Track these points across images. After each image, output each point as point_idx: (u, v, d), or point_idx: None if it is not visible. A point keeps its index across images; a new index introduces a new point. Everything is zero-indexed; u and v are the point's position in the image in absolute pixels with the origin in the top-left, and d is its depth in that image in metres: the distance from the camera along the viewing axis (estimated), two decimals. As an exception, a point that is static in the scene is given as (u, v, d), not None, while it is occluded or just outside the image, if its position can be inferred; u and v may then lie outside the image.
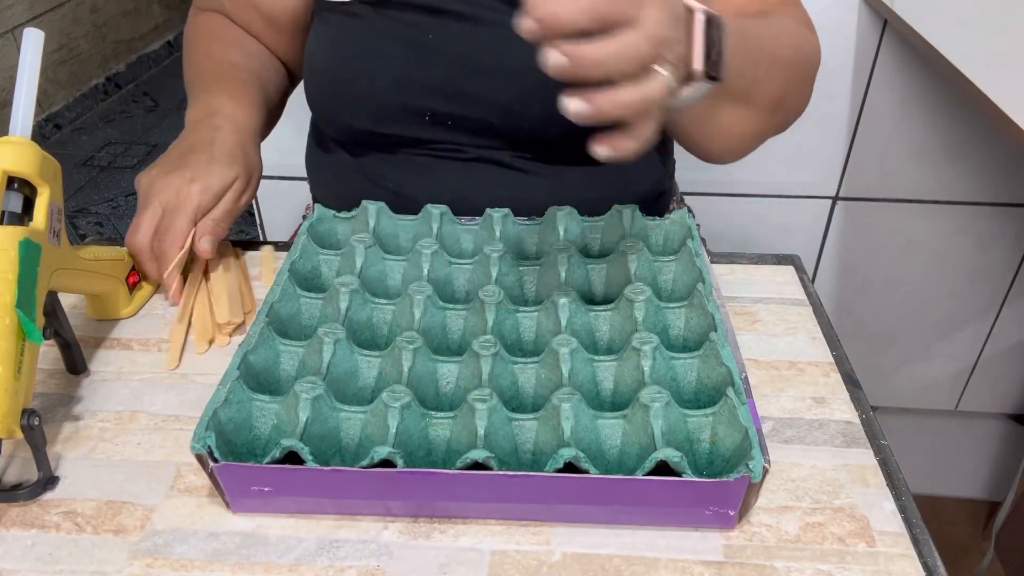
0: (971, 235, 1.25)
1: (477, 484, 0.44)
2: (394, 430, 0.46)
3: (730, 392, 0.47)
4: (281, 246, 0.72)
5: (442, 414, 0.49)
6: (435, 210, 0.64)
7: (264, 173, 0.74)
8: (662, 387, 0.47)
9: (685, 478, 0.44)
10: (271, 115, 0.78)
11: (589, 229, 0.64)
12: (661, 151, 0.82)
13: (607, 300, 0.58)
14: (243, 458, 0.47)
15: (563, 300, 0.54)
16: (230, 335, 0.62)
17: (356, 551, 0.46)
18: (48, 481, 0.50)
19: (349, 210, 0.66)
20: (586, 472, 0.44)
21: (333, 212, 0.66)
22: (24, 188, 0.51)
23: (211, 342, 0.61)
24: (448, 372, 0.52)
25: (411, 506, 0.47)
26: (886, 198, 1.24)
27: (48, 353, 0.59)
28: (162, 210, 0.62)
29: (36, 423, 0.48)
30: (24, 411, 0.47)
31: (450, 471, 0.44)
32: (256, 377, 0.51)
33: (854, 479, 0.49)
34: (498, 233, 0.63)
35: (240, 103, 0.71)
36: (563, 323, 0.53)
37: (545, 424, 0.47)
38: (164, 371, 0.59)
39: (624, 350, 0.51)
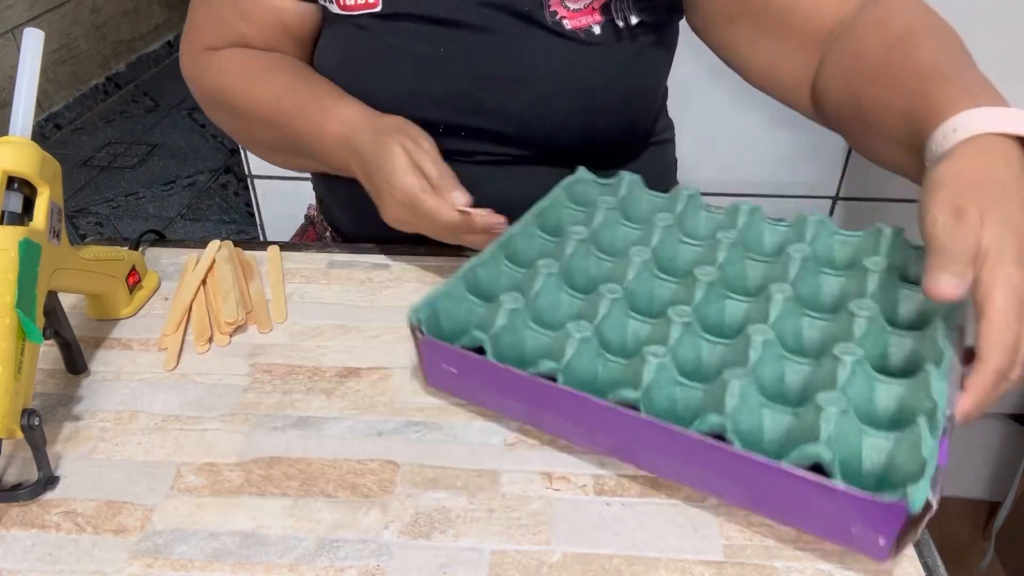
0: (971, 235, 1.25)
1: (640, 428, 0.46)
2: (568, 357, 0.49)
3: (921, 421, 0.42)
4: (282, 246, 0.72)
5: (614, 357, 0.51)
6: (685, 192, 0.65)
7: (264, 173, 0.74)
8: (847, 398, 0.44)
9: (828, 481, 0.41)
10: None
11: (840, 241, 0.60)
12: (668, 149, 0.83)
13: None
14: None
15: (778, 296, 0.52)
16: (231, 335, 0.62)
17: (356, 551, 0.46)
18: (48, 481, 0.50)
19: (359, 216, 0.66)
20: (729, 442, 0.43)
21: (593, 177, 0.69)
22: (24, 188, 0.51)
23: (210, 340, 0.61)
24: (638, 329, 0.54)
25: (572, 430, 0.50)
26: (886, 198, 1.24)
27: (48, 353, 0.59)
28: (428, 185, 0.60)
29: (36, 423, 0.48)
30: (24, 411, 0.47)
31: (608, 405, 0.46)
32: (477, 284, 0.57)
33: (854, 479, 0.49)
34: (740, 223, 0.62)
35: (328, 86, 0.70)
36: (771, 317, 0.51)
37: (708, 395, 0.48)
38: (164, 371, 0.59)
39: (824, 356, 0.48)
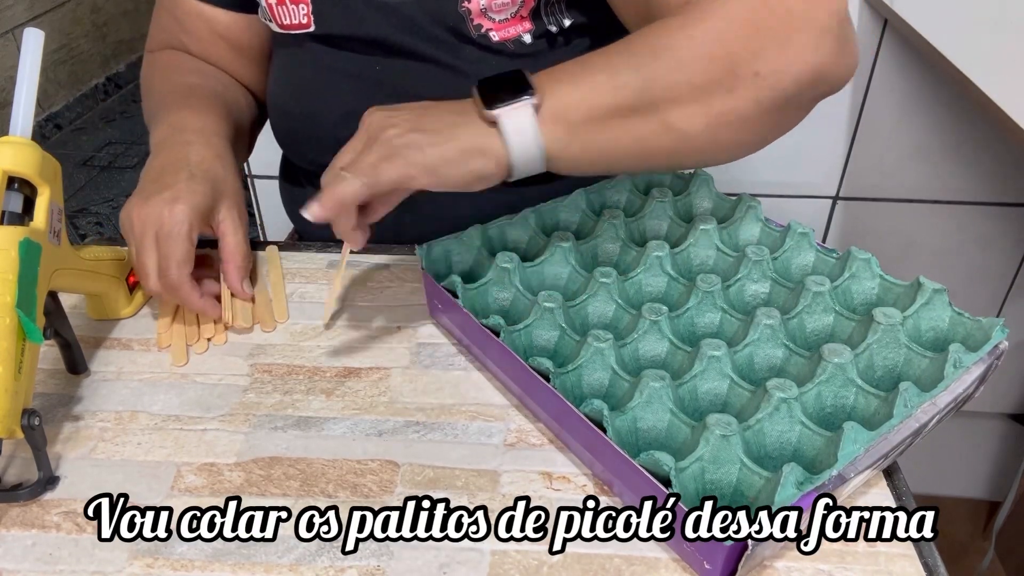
0: (971, 235, 1.25)
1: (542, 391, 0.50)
2: (529, 321, 0.55)
3: (788, 469, 0.41)
4: (282, 246, 0.72)
5: (570, 331, 0.55)
6: (747, 202, 0.65)
7: (264, 173, 0.74)
8: (763, 432, 0.46)
9: (662, 489, 0.42)
10: (240, 134, 0.74)
11: (879, 285, 0.59)
12: None
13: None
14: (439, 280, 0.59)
15: (763, 320, 0.53)
16: (227, 330, 0.62)
17: (356, 551, 0.46)
18: (48, 481, 0.50)
19: (330, 237, 0.68)
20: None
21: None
22: (24, 188, 0.51)
23: (209, 339, 0.61)
24: (618, 315, 0.57)
25: (509, 381, 0.55)
26: (886, 198, 1.24)
27: (48, 353, 0.59)
28: (155, 242, 0.58)
29: (36, 423, 0.48)
30: (24, 411, 0.47)
31: (527, 367, 0.50)
32: (490, 243, 0.63)
33: (854, 479, 0.49)
34: (787, 244, 0.62)
35: (206, 116, 0.67)
36: (746, 339, 0.53)
37: (631, 387, 0.50)
38: (164, 371, 0.59)
39: (759, 387, 0.48)
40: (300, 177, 0.79)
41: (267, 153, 0.85)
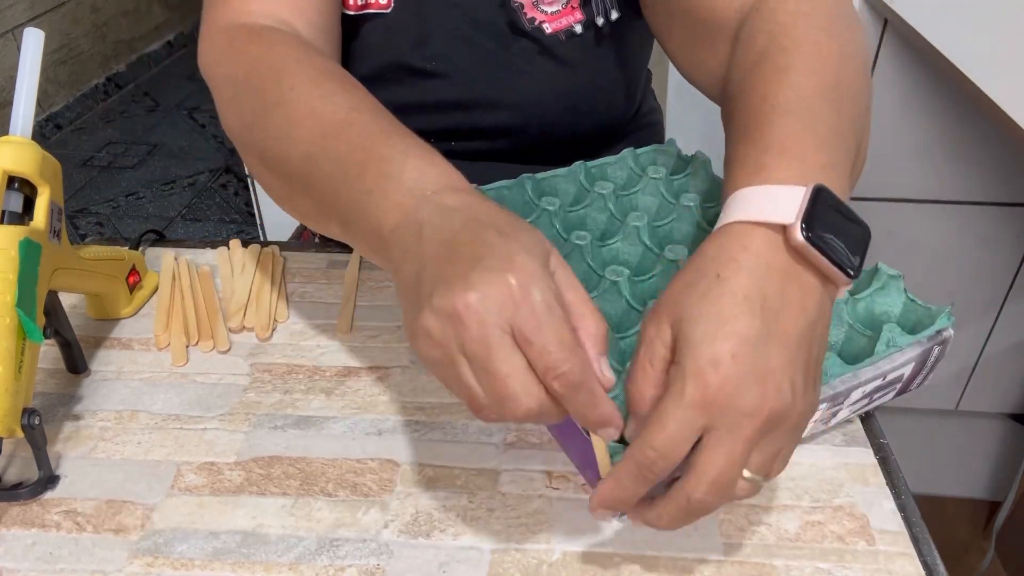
0: (971, 235, 1.25)
1: None
2: None
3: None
4: (283, 246, 0.72)
5: None
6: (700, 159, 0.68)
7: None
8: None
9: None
10: None
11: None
12: (656, 132, 0.84)
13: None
14: None
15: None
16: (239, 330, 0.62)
17: (356, 550, 0.46)
18: (49, 480, 0.50)
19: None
20: None
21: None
22: (24, 188, 0.51)
23: (211, 338, 0.61)
24: (584, 279, 0.57)
25: None
26: (886, 198, 1.24)
27: (48, 353, 0.59)
28: (511, 337, 0.35)
29: (36, 422, 0.48)
30: (24, 410, 0.47)
31: None
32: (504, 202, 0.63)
33: (854, 478, 0.49)
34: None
35: (435, 160, 0.44)
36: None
37: None
38: (164, 370, 0.59)
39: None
40: None
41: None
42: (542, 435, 0.53)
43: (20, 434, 0.47)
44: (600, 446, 0.41)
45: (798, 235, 0.37)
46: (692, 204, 0.63)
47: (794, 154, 0.41)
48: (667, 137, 0.79)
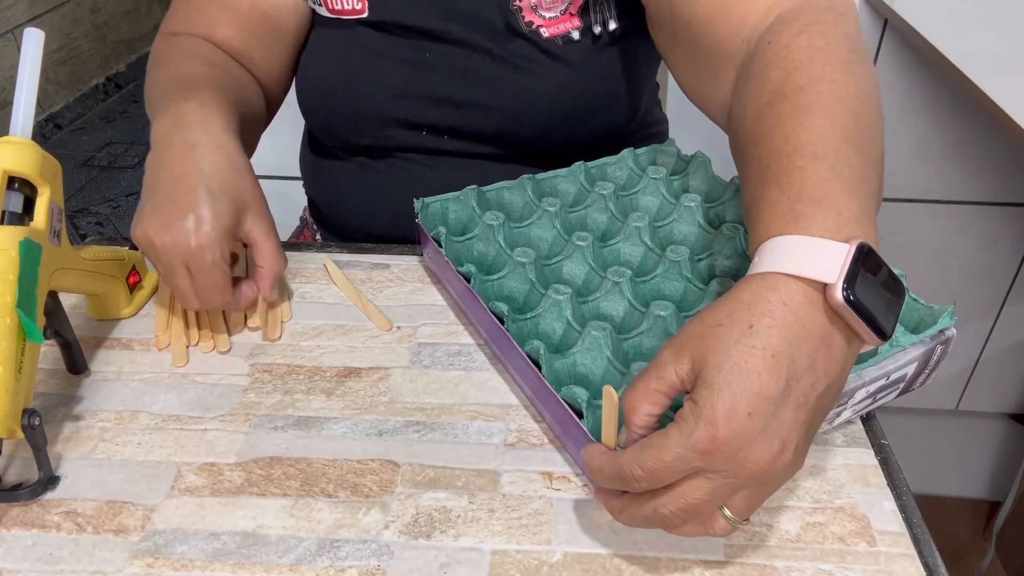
0: (972, 235, 1.25)
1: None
2: (503, 273, 0.59)
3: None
4: (283, 246, 0.72)
5: (539, 285, 0.58)
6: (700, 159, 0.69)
7: (263, 173, 0.74)
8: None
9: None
10: (248, 132, 0.68)
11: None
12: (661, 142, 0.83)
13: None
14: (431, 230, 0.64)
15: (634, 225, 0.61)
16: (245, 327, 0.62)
17: (356, 551, 0.46)
18: (49, 481, 0.50)
19: (343, 209, 0.69)
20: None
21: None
22: (24, 188, 0.51)
23: (214, 348, 0.61)
24: (587, 280, 0.61)
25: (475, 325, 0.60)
26: (886, 198, 1.24)
27: (48, 353, 0.59)
28: (186, 270, 0.55)
29: (37, 423, 0.48)
30: (25, 411, 0.47)
31: (485, 307, 0.55)
32: (487, 204, 0.66)
33: (855, 479, 0.49)
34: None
35: (212, 110, 0.60)
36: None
37: (578, 336, 0.53)
38: (164, 371, 0.59)
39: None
40: (325, 149, 0.80)
41: (266, 153, 0.85)
42: (542, 435, 0.53)
43: (20, 435, 0.47)
44: (610, 412, 0.42)
45: (839, 296, 0.37)
46: (693, 204, 0.63)
47: (829, 204, 0.41)
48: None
